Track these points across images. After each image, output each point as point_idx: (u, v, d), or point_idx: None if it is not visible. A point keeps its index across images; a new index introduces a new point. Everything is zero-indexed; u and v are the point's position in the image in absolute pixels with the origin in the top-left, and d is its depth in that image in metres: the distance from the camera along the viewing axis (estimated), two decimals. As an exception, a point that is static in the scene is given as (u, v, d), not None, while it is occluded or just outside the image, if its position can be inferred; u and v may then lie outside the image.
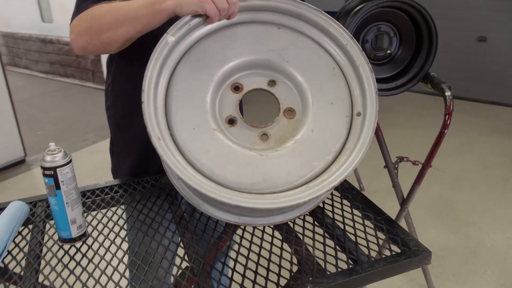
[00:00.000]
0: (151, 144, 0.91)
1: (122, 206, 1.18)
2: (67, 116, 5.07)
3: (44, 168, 0.95)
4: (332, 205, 1.12)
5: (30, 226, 1.11)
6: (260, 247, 0.97)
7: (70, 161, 0.97)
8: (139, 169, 1.33)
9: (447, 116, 1.75)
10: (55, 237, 1.04)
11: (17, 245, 1.03)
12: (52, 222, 1.11)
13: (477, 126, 4.15)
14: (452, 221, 2.74)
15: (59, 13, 6.53)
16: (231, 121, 0.99)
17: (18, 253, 0.99)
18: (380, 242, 0.99)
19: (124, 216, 1.13)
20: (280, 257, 0.94)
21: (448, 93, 1.79)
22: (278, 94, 1.01)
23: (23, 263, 0.95)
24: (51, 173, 0.95)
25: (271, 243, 0.98)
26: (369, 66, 0.98)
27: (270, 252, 0.95)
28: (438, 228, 2.66)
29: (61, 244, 1.01)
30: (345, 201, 1.13)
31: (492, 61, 4.53)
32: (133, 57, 1.18)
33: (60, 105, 5.54)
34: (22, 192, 3.40)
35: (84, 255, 0.97)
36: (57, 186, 0.96)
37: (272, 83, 1.02)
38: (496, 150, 3.67)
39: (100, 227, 1.08)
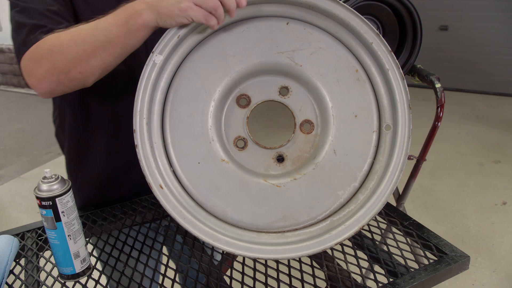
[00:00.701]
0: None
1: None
2: (26, 129, 4.80)
3: (40, 199, 0.83)
4: (352, 212, 1.06)
5: (22, 262, 0.99)
6: (289, 266, 0.90)
7: (70, 188, 0.86)
8: (97, 199, 1.19)
9: (439, 109, 1.73)
10: (55, 272, 0.93)
11: (10, 286, 0.91)
12: (46, 254, 0.99)
13: (446, 113, 4.20)
14: (436, 210, 2.75)
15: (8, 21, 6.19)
16: (241, 144, 0.87)
17: (15, 297, 0.87)
18: (413, 249, 0.93)
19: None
20: (313, 275, 0.87)
21: (438, 85, 1.76)
22: (292, 105, 0.88)
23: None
24: (49, 203, 0.83)
25: (300, 261, 0.90)
26: (400, 72, 0.85)
27: (301, 271, 0.88)
28: (424, 219, 2.66)
29: (63, 282, 0.90)
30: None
31: (454, 49, 4.61)
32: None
33: (17, 118, 5.25)
34: (-13, 214, 3.18)
35: (92, 292, 0.86)
36: (57, 218, 0.84)
37: (284, 90, 0.88)
38: (467, 137, 3.73)
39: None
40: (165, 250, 1.06)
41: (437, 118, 1.75)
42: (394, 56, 0.85)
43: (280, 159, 0.88)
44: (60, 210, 0.84)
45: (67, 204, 0.85)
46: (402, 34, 1.93)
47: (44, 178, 0.85)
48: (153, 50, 0.82)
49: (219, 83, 0.85)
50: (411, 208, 2.77)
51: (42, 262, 0.98)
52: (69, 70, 0.83)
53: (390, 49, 0.84)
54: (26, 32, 0.88)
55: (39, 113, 5.35)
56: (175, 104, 0.84)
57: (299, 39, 0.85)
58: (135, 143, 0.80)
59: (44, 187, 0.84)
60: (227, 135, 0.86)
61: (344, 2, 1.87)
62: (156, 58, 0.82)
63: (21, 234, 1.08)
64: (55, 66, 0.83)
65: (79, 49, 0.82)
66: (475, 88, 4.65)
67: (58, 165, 3.76)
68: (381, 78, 0.86)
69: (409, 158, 1.83)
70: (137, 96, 0.80)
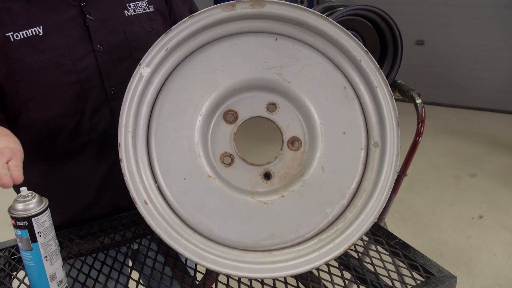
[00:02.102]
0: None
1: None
2: None
3: (15, 219, 0.79)
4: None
5: (-5, 284, 0.94)
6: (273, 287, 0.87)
7: (47, 207, 0.82)
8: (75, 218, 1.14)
9: (420, 124, 1.74)
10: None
11: (-19, 310, 0.86)
12: (20, 275, 0.95)
13: (422, 127, 4.28)
14: (414, 224, 2.77)
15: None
16: (227, 160, 0.85)
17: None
18: (400, 269, 0.92)
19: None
20: (299, 298, 0.85)
21: (419, 101, 1.78)
22: (280, 121, 0.86)
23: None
24: (25, 223, 0.79)
25: (285, 282, 0.88)
26: (389, 89, 0.85)
27: (287, 293, 0.86)
28: (403, 233, 2.67)
29: (38, 305, 0.86)
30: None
31: (429, 63, 4.70)
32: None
33: None
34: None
35: (70, 317, 0.82)
36: (33, 239, 0.80)
37: (272, 106, 0.86)
38: (443, 150, 3.79)
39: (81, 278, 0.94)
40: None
41: (418, 134, 1.77)
42: (383, 73, 0.85)
43: (268, 176, 0.86)
44: (36, 231, 0.80)
45: (44, 224, 0.81)
46: (383, 49, 1.95)
47: (20, 196, 0.81)
48: (140, 62, 0.81)
49: (207, 98, 0.83)
50: (390, 221, 2.78)
51: (15, 283, 0.94)
52: None
53: (378, 66, 0.85)
54: None
55: None
56: (161, 118, 0.82)
57: (287, 55, 0.84)
58: (120, 157, 0.77)
59: (20, 206, 0.80)
60: (213, 151, 0.84)
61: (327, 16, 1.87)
62: (143, 70, 0.80)
63: (-8, 253, 1.02)
64: None
65: None
66: (450, 102, 4.73)
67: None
68: (369, 96, 0.85)
69: (390, 173, 1.84)
70: (123, 109, 0.78)
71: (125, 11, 1.04)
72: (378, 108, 0.85)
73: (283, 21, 0.83)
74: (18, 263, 0.97)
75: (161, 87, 0.83)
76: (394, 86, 1.92)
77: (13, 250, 1.03)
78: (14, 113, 1.01)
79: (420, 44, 4.68)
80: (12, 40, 0.92)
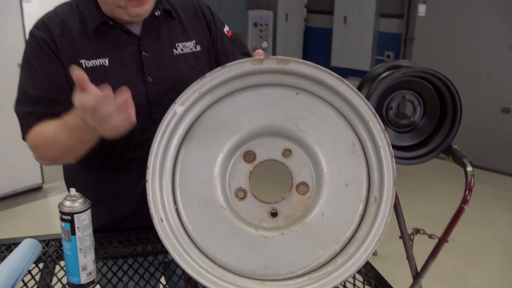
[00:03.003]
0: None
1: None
2: (88, 147, 5.14)
3: (62, 213, 0.96)
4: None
5: (41, 265, 1.11)
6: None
7: (88, 208, 0.98)
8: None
9: (467, 192, 1.73)
10: (64, 280, 1.04)
11: (25, 284, 1.03)
12: (63, 263, 1.11)
13: (496, 198, 4.07)
14: (465, 296, 2.65)
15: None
16: (241, 195, 0.96)
17: (25, 295, 0.99)
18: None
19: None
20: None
21: (469, 168, 1.77)
22: (292, 166, 0.96)
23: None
24: (68, 218, 0.96)
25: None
26: (390, 150, 0.92)
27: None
28: (450, 302, 2.57)
29: (69, 289, 1.01)
30: (357, 275, 1.11)
31: (515, 133, 4.50)
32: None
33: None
34: (35, 220, 3.43)
35: (90, 304, 0.96)
36: (73, 232, 0.96)
37: (287, 152, 0.96)
38: (514, 226, 3.58)
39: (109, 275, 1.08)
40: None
41: (464, 201, 1.75)
42: (387, 134, 0.92)
43: (274, 214, 0.95)
44: (76, 226, 0.96)
45: (83, 221, 0.97)
46: (443, 113, 1.97)
47: (69, 195, 0.98)
48: (176, 101, 0.96)
49: (230, 138, 0.95)
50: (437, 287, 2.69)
51: (57, 268, 1.10)
52: (53, 161, 1.16)
53: (383, 128, 0.92)
54: (24, 114, 1.15)
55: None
56: (188, 150, 0.95)
57: (305, 108, 0.94)
58: (146, 179, 0.91)
59: (67, 203, 0.97)
60: (230, 185, 0.95)
61: (387, 75, 1.94)
62: (177, 108, 0.94)
63: (46, 241, 1.20)
64: (43, 157, 1.15)
65: (54, 152, 1.11)
66: (533, 176, 4.47)
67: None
68: (374, 154, 0.93)
69: (430, 237, 1.82)
70: (155, 138, 0.92)
71: (174, 50, 1.22)
72: (380, 166, 0.92)
73: (305, 78, 0.93)
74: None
75: (192, 124, 0.96)
76: (449, 151, 1.93)
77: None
78: None
79: (506, 112, 4.50)
80: (84, 66, 1.12)
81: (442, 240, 1.78)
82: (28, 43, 1.16)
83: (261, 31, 5.19)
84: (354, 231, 0.92)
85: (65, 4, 1.19)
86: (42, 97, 1.13)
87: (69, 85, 1.11)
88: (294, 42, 5.67)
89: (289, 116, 0.94)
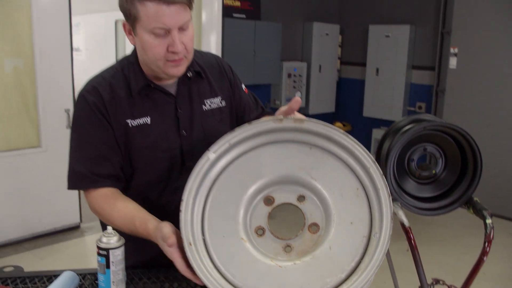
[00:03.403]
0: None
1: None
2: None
3: (99, 248, 1.09)
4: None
5: (77, 297, 1.22)
6: None
7: (122, 245, 1.10)
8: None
9: (486, 244, 1.75)
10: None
11: (63, 313, 1.14)
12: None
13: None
14: None
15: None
16: (260, 232, 1.09)
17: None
18: None
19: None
20: None
21: (489, 221, 1.80)
22: (305, 209, 1.10)
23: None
24: (104, 253, 1.08)
25: None
26: (388, 190, 1.04)
27: None
28: None
29: (102, 320, 1.12)
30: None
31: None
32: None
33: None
34: (72, 258, 3.58)
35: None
36: (108, 265, 1.08)
37: (301, 198, 1.10)
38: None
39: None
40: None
41: (484, 253, 1.78)
42: (385, 178, 1.06)
43: (288, 249, 1.08)
44: (111, 260, 1.08)
45: (117, 256, 1.09)
46: (464, 166, 2.02)
47: (106, 232, 1.10)
48: (209, 148, 1.11)
49: (253, 184, 1.11)
50: None
51: (91, 301, 1.21)
52: (110, 224, 1.23)
53: (382, 173, 1.06)
54: (77, 172, 1.31)
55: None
56: (217, 191, 1.10)
57: (317, 160, 1.10)
58: (180, 209, 1.05)
59: (104, 239, 1.09)
60: (250, 223, 1.10)
61: (409, 129, 2.03)
62: (210, 155, 1.10)
63: (83, 275, 1.32)
64: (104, 220, 1.30)
65: (115, 224, 1.23)
66: None
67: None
68: (375, 196, 1.06)
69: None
70: (190, 177, 1.08)
71: (203, 106, 1.39)
72: (380, 205, 1.06)
73: (317, 135, 1.09)
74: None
75: (222, 170, 1.12)
76: (470, 203, 1.97)
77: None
78: (127, 177, 1.37)
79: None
80: (130, 126, 1.29)
81: (462, 291, 1.79)
82: (79, 105, 1.31)
83: (294, 81, 5.37)
84: (358, 262, 1.04)
85: (110, 68, 1.37)
86: (95, 155, 1.28)
87: (117, 144, 1.29)
88: (327, 92, 5.82)
89: (303, 167, 1.10)
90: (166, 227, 1.09)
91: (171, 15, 1.17)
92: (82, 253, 3.70)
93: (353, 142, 1.07)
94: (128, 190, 1.35)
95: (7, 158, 3.63)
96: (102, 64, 5.77)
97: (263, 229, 1.09)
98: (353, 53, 5.88)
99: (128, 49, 7.34)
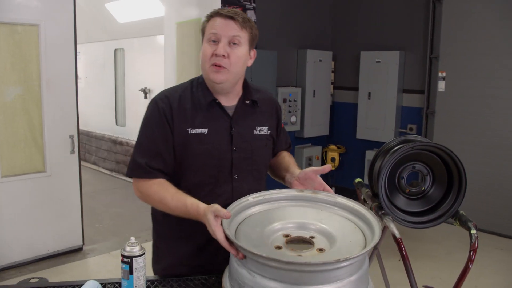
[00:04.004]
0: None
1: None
2: (125, 214, 5.45)
3: (123, 256, 1.22)
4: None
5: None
6: None
7: (144, 253, 1.24)
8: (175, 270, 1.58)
9: (471, 252, 1.89)
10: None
11: (88, 317, 1.27)
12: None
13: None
14: None
15: (132, 120, 7.32)
16: (278, 247, 1.25)
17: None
18: None
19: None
20: None
21: (473, 231, 1.94)
22: (315, 241, 1.31)
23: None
24: (128, 260, 1.22)
25: None
26: (379, 224, 1.30)
27: None
28: None
29: (125, 322, 1.24)
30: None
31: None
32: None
33: (119, 202, 5.96)
34: (76, 279, 3.65)
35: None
36: (131, 272, 1.22)
37: (312, 236, 1.33)
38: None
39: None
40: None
41: (469, 260, 1.91)
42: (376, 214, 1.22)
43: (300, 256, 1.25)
44: (134, 267, 1.22)
45: (140, 264, 1.23)
46: (450, 182, 2.18)
47: (129, 242, 1.24)
48: (252, 194, 1.40)
49: (276, 223, 1.35)
50: None
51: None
52: (147, 203, 1.54)
53: (374, 214, 1.31)
54: (138, 163, 1.52)
55: (138, 202, 6.01)
56: (248, 223, 1.34)
57: (325, 216, 1.40)
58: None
59: (128, 248, 1.23)
60: (271, 243, 1.28)
61: (398, 149, 2.18)
62: (250, 198, 1.39)
63: (104, 284, 1.45)
64: (143, 198, 1.57)
65: (155, 204, 1.55)
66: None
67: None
68: (368, 228, 1.32)
69: (440, 294, 1.97)
70: (233, 204, 1.34)
71: (254, 131, 1.61)
72: (372, 230, 1.28)
73: (324, 203, 1.45)
74: (118, 294, 1.39)
75: (255, 212, 1.38)
76: (456, 216, 2.11)
77: (116, 285, 1.45)
78: (178, 177, 1.56)
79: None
80: (189, 133, 1.51)
81: (451, 299, 1.92)
82: (151, 108, 1.55)
83: (290, 106, 5.56)
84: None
85: (182, 84, 1.63)
86: (153, 150, 1.50)
87: (173, 146, 1.51)
88: (321, 116, 6.00)
89: (315, 218, 1.37)
90: (218, 205, 1.28)
91: (223, 26, 1.46)
92: (84, 274, 3.79)
93: (353, 202, 1.41)
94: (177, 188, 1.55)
95: (13, 183, 3.75)
96: (101, 91, 6.11)
97: (280, 247, 1.25)
98: (346, 78, 6.09)
99: (127, 77, 7.50)
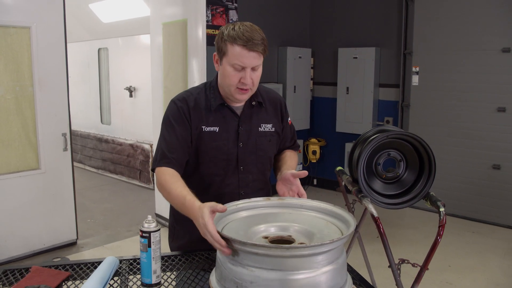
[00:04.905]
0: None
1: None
2: (115, 209, 5.60)
3: (142, 232, 1.42)
4: None
5: (118, 280, 1.54)
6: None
7: (159, 229, 1.44)
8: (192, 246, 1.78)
9: (440, 228, 2.14)
10: (138, 283, 1.47)
11: (111, 285, 1.46)
12: (132, 277, 1.54)
13: (492, 247, 4.41)
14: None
15: (117, 118, 7.44)
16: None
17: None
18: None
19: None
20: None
21: (442, 209, 2.20)
22: (294, 238, 1.45)
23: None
24: (146, 235, 1.41)
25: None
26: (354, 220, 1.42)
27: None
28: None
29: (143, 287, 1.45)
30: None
31: (505, 187, 4.90)
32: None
33: (108, 198, 6.11)
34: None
35: (160, 295, 1.40)
36: (149, 245, 1.42)
37: (289, 236, 1.46)
38: (508, 270, 3.90)
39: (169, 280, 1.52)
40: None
41: (438, 235, 2.15)
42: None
43: None
44: (151, 240, 1.42)
45: (156, 238, 1.42)
46: (421, 167, 2.43)
47: (147, 220, 1.44)
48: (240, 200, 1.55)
49: (260, 225, 1.48)
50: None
51: (131, 280, 1.54)
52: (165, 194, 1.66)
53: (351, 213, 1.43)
54: (161, 153, 1.72)
55: (127, 197, 6.19)
56: (236, 223, 1.47)
57: (297, 217, 1.54)
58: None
59: (145, 225, 1.43)
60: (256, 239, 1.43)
61: (374, 138, 2.41)
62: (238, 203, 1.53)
63: (120, 260, 1.65)
64: (162, 192, 1.66)
65: (168, 199, 1.65)
66: (528, 229, 4.82)
67: (135, 242, 4.42)
68: (342, 223, 1.46)
69: (413, 265, 2.22)
70: (227, 205, 1.47)
71: (259, 128, 1.82)
72: (344, 221, 1.45)
73: (292, 206, 1.58)
74: (130, 270, 1.58)
75: (243, 215, 1.54)
76: (427, 197, 2.37)
77: (130, 261, 1.65)
78: (192, 168, 1.78)
79: (496, 169, 4.93)
80: (203, 130, 1.73)
81: (423, 267, 2.17)
82: (170, 108, 1.77)
83: (271, 101, 5.77)
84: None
85: (197, 87, 1.84)
86: (173, 143, 1.71)
87: (190, 141, 1.73)
88: (302, 111, 6.25)
89: (288, 220, 1.51)
90: (213, 202, 1.42)
91: (249, 58, 1.62)
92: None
93: (342, 210, 1.49)
94: (193, 178, 1.75)
95: (8, 180, 3.89)
96: (86, 90, 6.31)
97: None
98: (325, 74, 6.34)
99: (112, 76, 7.59)
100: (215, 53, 1.73)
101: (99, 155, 7.69)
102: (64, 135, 4.17)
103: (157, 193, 4.67)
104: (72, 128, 8.44)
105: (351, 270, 1.57)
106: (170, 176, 1.64)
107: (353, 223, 1.40)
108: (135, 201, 5.94)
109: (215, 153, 1.75)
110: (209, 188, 1.77)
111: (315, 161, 6.32)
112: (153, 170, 1.73)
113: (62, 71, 4.12)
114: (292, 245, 1.34)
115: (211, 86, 1.80)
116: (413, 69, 5.36)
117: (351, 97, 5.91)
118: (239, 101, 1.77)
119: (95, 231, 4.82)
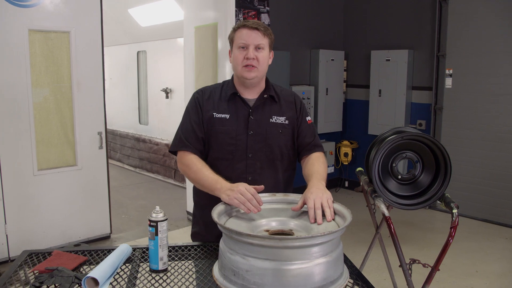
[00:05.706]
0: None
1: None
2: (149, 206, 5.80)
3: (150, 221, 1.53)
4: None
5: (129, 266, 1.65)
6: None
7: (166, 219, 1.54)
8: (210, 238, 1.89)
9: (452, 229, 2.15)
10: (147, 269, 1.58)
11: (122, 270, 1.58)
12: (143, 265, 1.65)
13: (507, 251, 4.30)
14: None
15: (154, 118, 7.69)
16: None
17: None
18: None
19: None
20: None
21: (454, 211, 2.20)
22: (295, 232, 1.53)
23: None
24: (154, 224, 1.52)
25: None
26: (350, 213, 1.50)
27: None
28: None
29: (150, 273, 1.55)
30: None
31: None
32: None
33: (143, 195, 6.33)
34: (105, 263, 4.00)
35: (164, 281, 1.50)
36: (156, 233, 1.52)
37: (290, 230, 1.55)
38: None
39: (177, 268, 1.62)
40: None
41: (450, 236, 2.16)
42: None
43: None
44: (158, 229, 1.52)
45: (163, 227, 1.53)
46: (437, 169, 2.43)
47: (155, 210, 1.55)
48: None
49: (261, 219, 1.58)
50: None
51: (141, 266, 1.65)
52: (189, 179, 1.88)
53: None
54: (179, 138, 1.92)
55: (161, 195, 6.39)
56: (236, 219, 1.58)
57: (297, 213, 1.64)
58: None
59: (154, 215, 1.53)
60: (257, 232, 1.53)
61: (390, 138, 2.43)
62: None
63: (134, 248, 1.76)
64: (185, 175, 1.89)
65: (193, 180, 1.85)
66: None
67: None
68: (337, 217, 1.54)
69: (424, 266, 2.23)
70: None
71: (270, 119, 1.92)
72: (342, 216, 1.52)
73: (294, 203, 1.67)
74: (142, 258, 1.69)
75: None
76: (442, 198, 2.37)
77: (142, 250, 1.76)
78: (206, 151, 1.93)
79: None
80: (215, 116, 1.88)
81: (434, 268, 2.18)
82: (190, 99, 1.97)
83: (303, 103, 5.82)
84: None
85: (215, 84, 2.04)
86: (189, 128, 1.90)
87: (203, 126, 1.90)
88: (334, 113, 6.26)
89: (289, 216, 1.60)
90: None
91: (251, 36, 1.83)
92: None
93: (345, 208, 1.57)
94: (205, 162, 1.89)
95: (47, 175, 4.12)
96: (125, 91, 6.54)
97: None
98: (357, 76, 6.33)
99: (150, 78, 7.84)
100: (229, 49, 1.92)
101: (137, 154, 7.96)
102: (99, 133, 4.37)
103: (190, 191, 4.80)
104: (112, 128, 8.85)
105: (350, 265, 1.62)
106: (197, 159, 1.84)
107: (349, 218, 1.46)
108: (168, 199, 6.12)
109: (223, 137, 1.88)
110: (218, 172, 1.83)
111: (347, 163, 6.31)
112: (171, 152, 1.93)
113: (99, 73, 4.32)
114: (285, 236, 1.41)
115: (228, 82, 1.98)
116: (447, 71, 5.28)
117: (384, 99, 5.88)
118: (248, 82, 1.86)
119: (129, 226, 5.02)
